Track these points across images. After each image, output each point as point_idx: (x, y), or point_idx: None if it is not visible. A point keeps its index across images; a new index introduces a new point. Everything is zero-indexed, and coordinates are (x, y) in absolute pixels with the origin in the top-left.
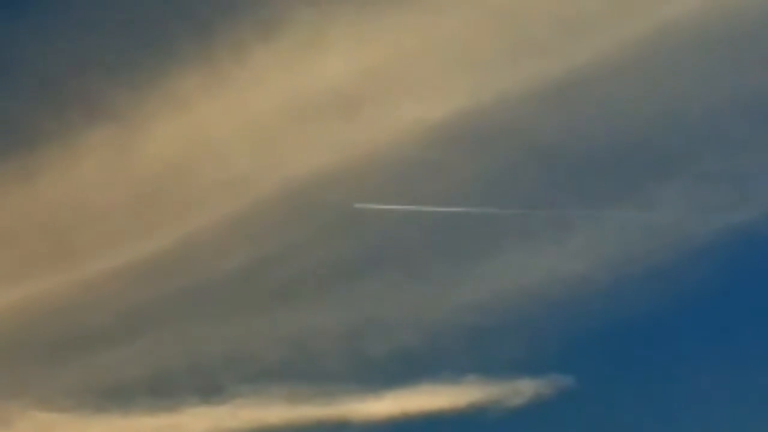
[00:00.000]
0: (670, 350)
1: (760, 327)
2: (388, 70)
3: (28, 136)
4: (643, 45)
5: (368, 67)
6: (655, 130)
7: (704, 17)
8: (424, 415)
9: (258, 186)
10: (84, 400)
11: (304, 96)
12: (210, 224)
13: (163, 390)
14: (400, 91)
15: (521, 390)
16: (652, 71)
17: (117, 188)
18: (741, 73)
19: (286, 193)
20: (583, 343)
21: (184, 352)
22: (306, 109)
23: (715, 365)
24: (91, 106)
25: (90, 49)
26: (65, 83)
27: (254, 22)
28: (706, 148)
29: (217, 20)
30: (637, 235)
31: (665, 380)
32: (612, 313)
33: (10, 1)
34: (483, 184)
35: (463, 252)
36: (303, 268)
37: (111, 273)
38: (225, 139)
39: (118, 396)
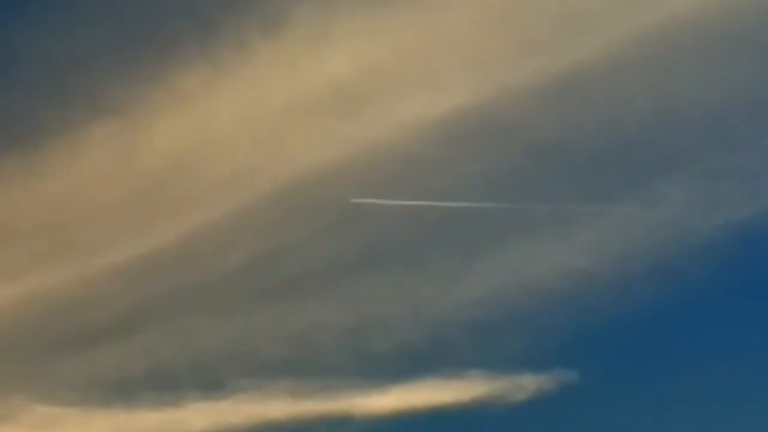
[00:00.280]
0: (673, 346)
1: (763, 323)
2: (391, 67)
3: (31, 131)
4: (647, 41)
5: (371, 64)
6: (658, 126)
7: (708, 13)
8: (427, 410)
9: (261, 182)
10: (87, 394)
11: (306, 92)
12: (213, 220)
13: (166, 385)
14: (402, 87)
15: (524, 385)
16: (656, 67)
17: (119, 184)
18: (744, 69)
19: (289, 188)
20: (586, 339)
21: (186, 347)
22: (309, 105)
23: (719, 361)
24: (94, 102)
25: (93, 45)
26: (68, 79)
27: (257, 18)
28: (709, 144)
29: (220, 16)
30: (641, 231)
31: (668, 376)
32: (615, 309)
33: None
34: (486, 180)
35: (466, 247)
36: (306, 263)
37: (114, 268)
38: (228, 135)
39: (121, 390)
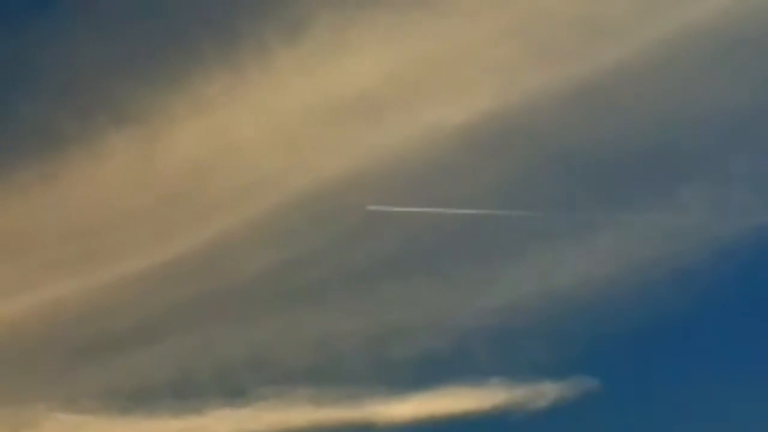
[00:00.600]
0: (695, 352)
1: None
2: (412, 74)
3: (54, 139)
4: (667, 47)
5: (391, 71)
6: (679, 132)
7: (728, 19)
8: (448, 418)
9: (282, 189)
10: (109, 402)
11: (327, 99)
12: (234, 227)
13: (188, 392)
14: (424, 94)
15: (545, 392)
16: (677, 73)
17: (141, 192)
18: (765, 76)
19: (311, 196)
20: (607, 346)
21: (208, 354)
22: (330, 113)
23: (740, 367)
24: (116, 110)
25: (115, 53)
26: (90, 87)
27: (278, 25)
28: (730, 150)
29: (241, 24)
30: (662, 238)
31: (689, 383)
32: (636, 316)
33: (36, 6)
34: (508, 187)
35: (488, 254)
36: (327, 270)
37: (135, 276)
38: (249, 142)
39: (142, 398)
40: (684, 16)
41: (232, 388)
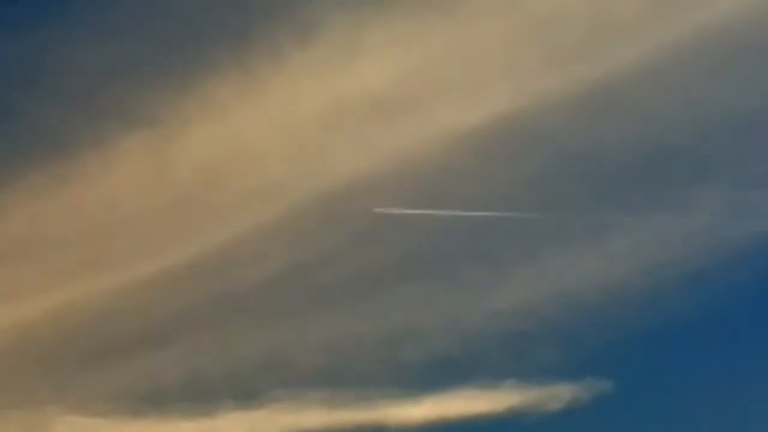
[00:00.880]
0: (708, 355)
1: None
2: (424, 76)
3: (65, 142)
4: (680, 50)
5: (403, 73)
6: (692, 135)
7: (741, 21)
8: (461, 420)
9: (294, 192)
10: (121, 404)
11: (340, 102)
12: (246, 230)
13: (200, 394)
14: (435, 96)
15: (558, 395)
16: (689, 76)
17: (152, 195)
18: None
19: (323, 199)
20: (620, 348)
21: (220, 357)
22: (342, 116)
23: (753, 370)
24: (127, 113)
25: (126, 56)
26: (101, 90)
27: (290, 28)
28: (743, 152)
29: (253, 27)
30: (675, 240)
31: (702, 385)
32: (649, 318)
33: (47, 9)
34: (520, 189)
35: (501, 257)
36: (340, 273)
37: (147, 279)
38: (261, 145)
39: (155, 400)
40: (696, 18)
41: (245, 390)
